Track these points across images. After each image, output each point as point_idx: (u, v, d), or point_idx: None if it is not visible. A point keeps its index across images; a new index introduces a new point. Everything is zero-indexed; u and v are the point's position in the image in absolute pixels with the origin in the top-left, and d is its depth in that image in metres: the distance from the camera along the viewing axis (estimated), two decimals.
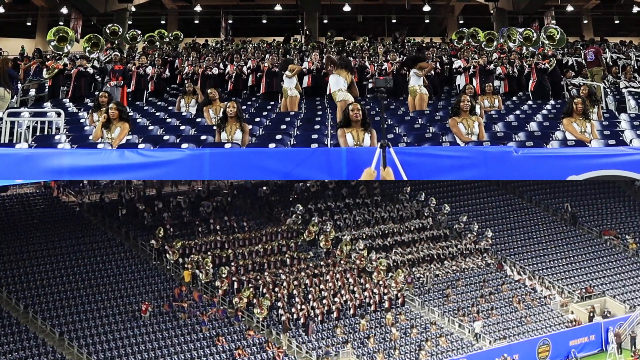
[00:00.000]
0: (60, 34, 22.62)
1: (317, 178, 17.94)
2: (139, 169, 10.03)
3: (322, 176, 10.71)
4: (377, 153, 8.99)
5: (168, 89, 24.86)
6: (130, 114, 17.38)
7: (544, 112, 19.14)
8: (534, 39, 24.16)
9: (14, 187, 29.18)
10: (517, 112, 19.11)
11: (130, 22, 38.10)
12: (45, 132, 15.85)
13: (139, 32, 29.61)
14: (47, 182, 29.76)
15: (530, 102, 21.42)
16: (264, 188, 31.59)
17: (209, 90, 16.77)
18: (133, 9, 39.62)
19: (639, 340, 28.02)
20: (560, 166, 9.85)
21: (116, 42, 27.89)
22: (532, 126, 16.57)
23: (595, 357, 28.05)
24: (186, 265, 27.97)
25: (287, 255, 29.21)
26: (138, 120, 17.57)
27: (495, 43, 26.99)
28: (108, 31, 27.50)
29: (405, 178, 9.05)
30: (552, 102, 21.45)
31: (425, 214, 32.17)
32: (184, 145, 13.69)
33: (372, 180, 8.96)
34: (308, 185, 31.81)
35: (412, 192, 32.73)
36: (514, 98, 22.74)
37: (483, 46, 26.77)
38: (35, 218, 29.01)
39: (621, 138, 14.64)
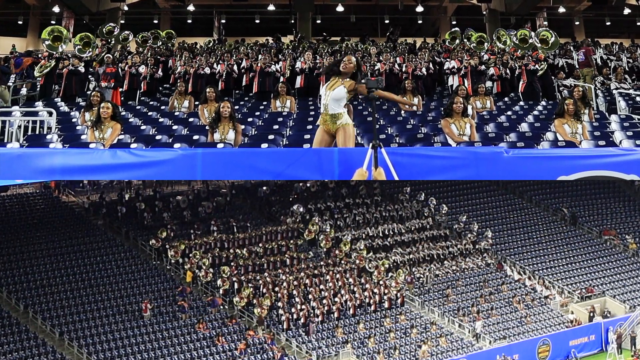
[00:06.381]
0: (55, 34, 22.64)
1: (309, 178, 18.00)
2: (131, 169, 10.07)
3: (314, 176, 10.74)
4: (369, 153, 9.04)
5: (160, 88, 24.92)
6: (123, 113, 17.50)
7: (535, 113, 19.21)
8: (530, 40, 24.15)
9: (14, 187, 29.22)
10: (509, 113, 19.17)
11: (122, 22, 38.17)
12: (37, 132, 15.90)
13: (130, 33, 29.56)
14: (47, 182, 29.81)
15: (521, 103, 21.47)
16: (264, 188, 31.58)
17: (207, 89, 16.78)
18: (125, 8, 39.71)
19: (639, 340, 27.99)
20: (550, 167, 9.89)
21: (110, 40, 27.89)
22: (523, 127, 16.64)
23: (595, 357, 27.97)
24: (186, 266, 28.00)
25: (287, 255, 29.18)
26: (130, 120, 17.64)
27: (486, 45, 27.00)
28: (104, 30, 27.53)
29: (396, 178, 9.09)
30: (543, 103, 21.52)
31: (425, 214, 32.14)
32: (177, 145, 13.76)
33: (364, 180, 8.98)
34: (308, 185, 31.79)
35: (412, 192, 32.69)
36: (506, 99, 22.77)
37: (473, 47, 26.75)
38: (35, 218, 28.98)
39: (611, 139, 14.69)
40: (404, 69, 23.70)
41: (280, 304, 26.76)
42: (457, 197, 33.59)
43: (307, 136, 15.13)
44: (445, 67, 24.67)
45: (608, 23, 42.06)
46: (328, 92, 10.93)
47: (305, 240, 30.13)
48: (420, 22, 41.95)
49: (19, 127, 16.02)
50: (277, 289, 27.39)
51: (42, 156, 10.15)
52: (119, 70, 22.83)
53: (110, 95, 21.00)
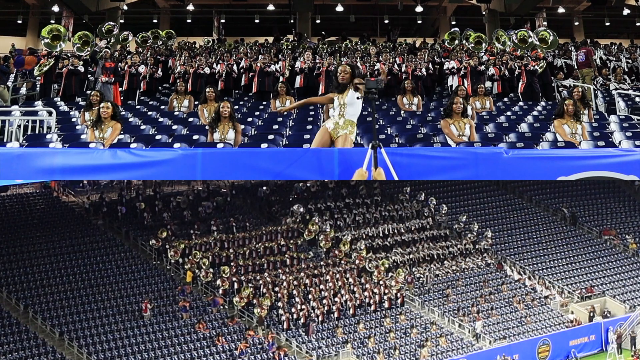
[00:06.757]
0: (54, 33, 22.64)
1: (309, 178, 18.03)
2: (131, 169, 10.09)
3: (314, 176, 10.76)
4: (369, 154, 9.07)
5: (160, 88, 24.89)
6: (122, 113, 17.50)
7: (535, 113, 19.23)
8: (529, 40, 24.15)
9: (14, 187, 29.23)
10: (508, 113, 19.19)
11: (122, 21, 38.24)
12: (37, 132, 15.90)
13: (130, 33, 29.60)
14: (47, 182, 29.82)
15: (521, 104, 21.49)
16: (264, 188, 31.56)
17: (207, 89, 16.79)
18: (125, 7, 39.74)
19: (639, 340, 27.99)
20: (549, 167, 9.92)
21: (110, 40, 27.90)
22: (523, 127, 16.67)
23: (595, 357, 27.95)
24: (186, 266, 28.00)
25: (287, 255, 29.17)
26: (130, 120, 17.64)
27: (484, 45, 27.00)
28: (104, 30, 27.52)
29: (396, 178, 9.12)
30: (542, 103, 21.54)
31: (425, 214, 32.12)
32: (176, 145, 13.78)
33: (364, 180, 9.07)
34: (308, 185, 31.78)
35: (412, 192, 32.67)
36: (505, 99, 22.78)
37: (471, 48, 26.74)
38: (35, 218, 28.98)
39: (610, 139, 14.71)
40: (403, 69, 23.70)
41: (280, 304, 26.76)
42: (457, 197, 33.57)
43: (307, 136, 15.16)
44: (445, 68, 24.68)
45: (607, 23, 42.14)
46: (342, 100, 11.00)
47: (305, 240, 30.11)
48: (419, 22, 41.98)
49: (19, 126, 16.04)
50: (277, 289, 27.39)
51: (42, 156, 10.16)
52: (118, 66, 22.83)
53: (111, 90, 21.01)
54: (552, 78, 24.64)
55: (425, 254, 30.34)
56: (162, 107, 20.80)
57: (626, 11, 40.21)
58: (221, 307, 26.81)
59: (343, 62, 11.77)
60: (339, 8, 39.90)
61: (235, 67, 24.49)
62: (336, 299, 27.36)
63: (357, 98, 10.96)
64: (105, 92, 18.76)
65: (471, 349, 26.90)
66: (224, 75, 23.97)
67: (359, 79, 10.93)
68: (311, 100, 12.26)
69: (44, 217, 29.20)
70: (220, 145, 12.96)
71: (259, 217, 31.15)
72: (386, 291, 28.16)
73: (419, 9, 39.77)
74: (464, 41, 28.41)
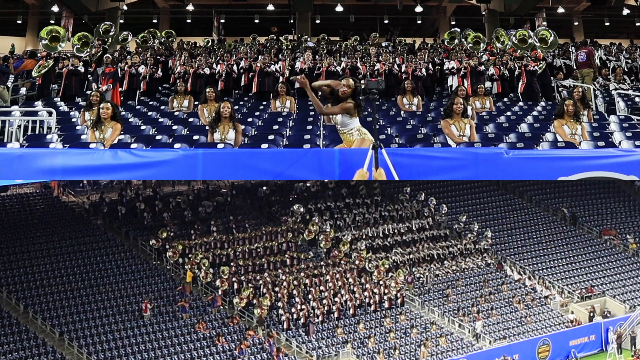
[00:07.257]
0: (53, 34, 22.62)
1: (309, 178, 18.01)
2: (132, 169, 10.08)
3: (314, 176, 10.75)
4: (370, 154, 9.08)
5: (160, 88, 24.87)
6: (123, 113, 17.47)
7: (535, 113, 19.21)
8: (529, 40, 24.13)
9: (14, 187, 29.24)
10: (508, 113, 19.17)
11: (121, 21, 38.22)
12: (37, 132, 15.88)
13: (129, 33, 29.58)
14: (47, 182, 29.82)
15: (521, 104, 21.46)
16: (264, 188, 31.56)
17: (207, 89, 16.77)
18: (125, 7, 39.70)
19: (639, 340, 28.00)
20: (549, 167, 9.93)
21: (107, 40, 27.85)
22: (523, 127, 16.65)
23: (595, 357, 27.96)
24: (186, 266, 28.00)
25: (287, 255, 29.18)
26: (130, 120, 17.61)
27: (482, 45, 26.98)
28: (101, 30, 27.48)
29: (397, 178, 9.12)
30: (542, 103, 21.51)
31: (425, 214, 32.13)
32: (177, 145, 13.75)
33: (365, 180, 9.12)
34: (308, 185, 31.78)
35: (412, 192, 32.67)
36: (505, 99, 22.76)
37: (469, 48, 26.72)
38: (35, 218, 29.02)
39: (610, 140, 14.70)
40: (403, 69, 23.68)
41: (280, 304, 26.77)
42: (457, 197, 33.58)
43: (307, 136, 15.16)
44: (444, 68, 24.67)
45: (607, 23, 42.13)
46: (335, 121, 11.04)
47: (305, 240, 30.11)
48: (419, 22, 41.98)
49: (19, 127, 16.01)
50: (277, 289, 27.39)
51: (43, 156, 10.15)
52: (118, 70, 22.80)
53: (109, 96, 20.97)
54: (552, 78, 24.64)
55: (425, 254, 30.36)
56: (162, 107, 20.76)
57: (626, 11, 40.22)
58: (221, 307, 26.81)
59: (350, 78, 11.67)
60: (339, 8, 39.91)
61: (235, 68, 24.46)
62: (336, 299, 27.37)
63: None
64: (104, 92, 18.74)
65: (471, 349, 26.90)
66: (224, 75, 23.92)
67: (352, 104, 10.89)
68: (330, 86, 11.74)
69: (44, 217, 29.22)
70: (220, 146, 12.93)
71: (259, 217, 31.15)
72: (386, 291, 28.17)
73: (418, 9, 39.77)
74: (463, 40, 28.40)
